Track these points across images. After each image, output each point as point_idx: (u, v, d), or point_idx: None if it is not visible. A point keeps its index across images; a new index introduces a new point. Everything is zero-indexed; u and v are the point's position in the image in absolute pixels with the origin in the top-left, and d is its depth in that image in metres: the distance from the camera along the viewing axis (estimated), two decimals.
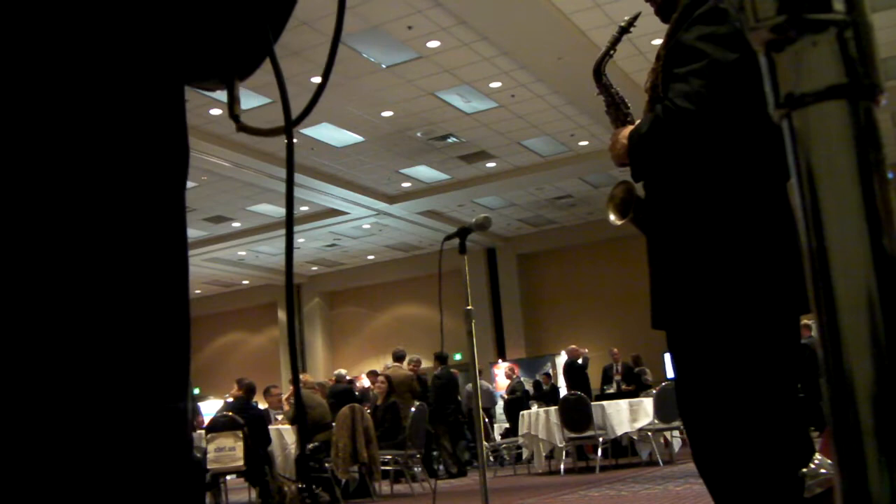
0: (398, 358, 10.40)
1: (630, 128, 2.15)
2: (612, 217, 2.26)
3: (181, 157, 0.79)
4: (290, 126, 0.88)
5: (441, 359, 10.95)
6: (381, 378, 9.55)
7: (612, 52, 2.27)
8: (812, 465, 1.78)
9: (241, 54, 0.89)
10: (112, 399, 0.69)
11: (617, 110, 2.26)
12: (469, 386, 12.15)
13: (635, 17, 2.23)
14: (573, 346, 13.20)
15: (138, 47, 0.75)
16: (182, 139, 0.80)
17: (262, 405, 10.46)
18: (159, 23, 0.77)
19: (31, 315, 0.66)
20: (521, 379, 14.32)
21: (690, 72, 1.92)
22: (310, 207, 14.76)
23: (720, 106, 1.90)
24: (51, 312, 0.67)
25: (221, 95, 0.94)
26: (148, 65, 0.76)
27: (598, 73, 2.28)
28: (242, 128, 0.93)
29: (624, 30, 2.24)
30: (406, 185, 14.40)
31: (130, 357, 0.71)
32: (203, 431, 7.80)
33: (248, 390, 8.11)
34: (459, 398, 10.83)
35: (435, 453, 10.75)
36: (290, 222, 0.85)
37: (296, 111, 0.89)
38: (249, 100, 9.13)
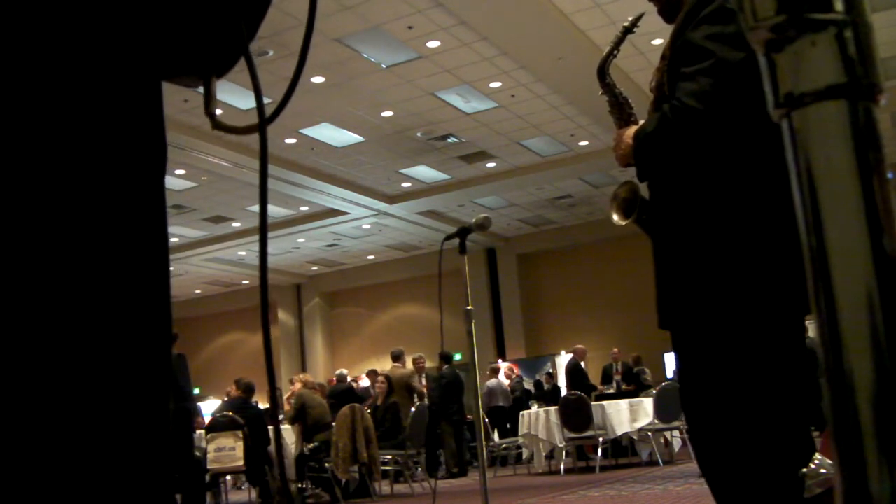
0: (395, 357, 10.44)
1: (634, 127, 2.15)
2: (615, 217, 2.26)
3: (159, 152, 0.79)
4: (263, 124, 0.87)
5: (445, 358, 10.94)
6: (380, 378, 9.56)
7: (615, 52, 2.27)
8: (812, 465, 1.78)
9: (217, 51, 0.89)
10: (89, 400, 0.68)
11: (620, 110, 2.26)
12: (490, 382, 12.17)
13: (639, 18, 2.23)
14: (580, 346, 13.17)
15: (114, 42, 0.75)
16: (159, 134, 0.80)
17: (264, 405, 10.46)
18: (136, 17, 0.77)
19: (6, 318, 0.66)
20: (522, 379, 14.32)
21: (698, 71, 1.92)
22: (310, 207, 14.76)
23: (728, 105, 1.90)
24: (26, 310, 0.66)
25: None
26: (124, 59, 0.76)
27: (602, 73, 2.28)
28: (217, 125, 0.93)
29: (628, 30, 2.24)
30: (406, 185, 14.40)
31: (107, 356, 0.70)
32: (203, 431, 7.80)
33: (247, 390, 8.11)
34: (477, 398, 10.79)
35: (438, 452, 10.74)
36: (263, 220, 0.84)
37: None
38: (248, 100, 9.12)
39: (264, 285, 0.84)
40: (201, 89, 0.94)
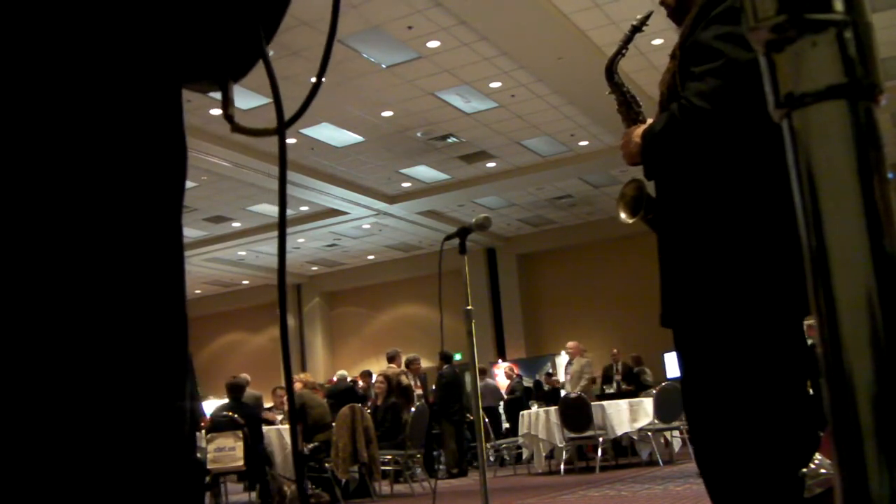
0: (390, 358, 10.48)
1: (643, 126, 2.15)
2: (623, 216, 2.27)
3: (179, 160, 0.80)
4: (282, 126, 0.88)
5: (445, 358, 10.95)
6: (379, 378, 9.56)
7: (624, 51, 2.28)
8: (812, 465, 1.78)
9: (234, 55, 0.89)
10: (109, 398, 0.69)
11: (628, 109, 2.26)
12: (481, 383, 12.17)
13: (647, 17, 2.24)
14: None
15: (137, 49, 0.75)
16: (180, 142, 0.80)
17: (268, 404, 10.45)
18: (156, 24, 0.77)
19: (30, 316, 0.66)
20: (522, 378, 14.32)
21: (707, 71, 1.92)
22: (310, 207, 14.76)
23: (736, 105, 1.90)
24: (49, 314, 0.67)
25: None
26: (146, 66, 0.76)
27: (610, 71, 2.29)
28: (236, 128, 0.93)
29: (636, 29, 2.25)
30: (406, 185, 14.40)
31: (127, 357, 0.71)
32: (203, 431, 7.80)
33: (236, 388, 8.06)
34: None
35: (436, 453, 10.75)
36: (282, 222, 0.85)
37: (293, 110, 0.89)
38: (250, 100, 9.12)
39: (282, 288, 0.85)
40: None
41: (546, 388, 13.79)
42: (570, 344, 11.85)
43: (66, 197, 0.69)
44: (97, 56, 0.72)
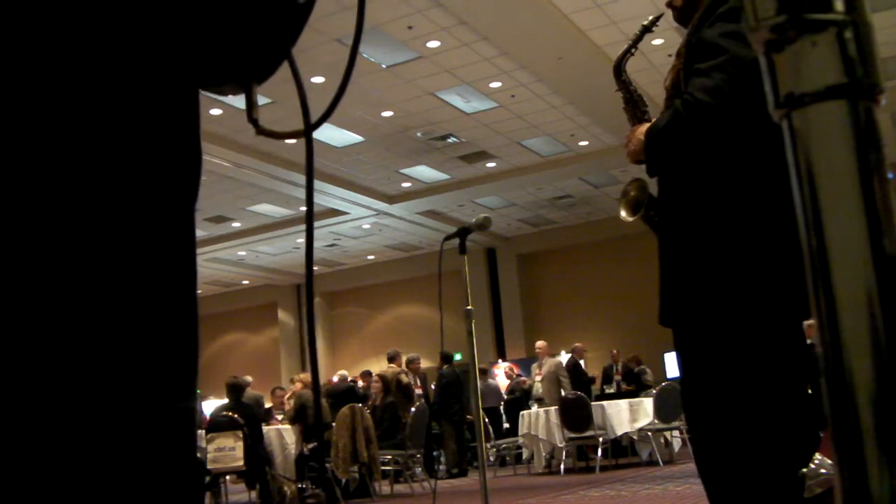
0: (391, 359, 10.49)
1: (647, 125, 2.16)
2: (623, 213, 2.27)
3: (194, 163, 0.80)
4: (309, 129, 0.88)
5: (446, 358, 10.95)
6: (375, 377, 9.58)
7: (633, 49, 2.29)
8: (812, 465, 1.78)
9: (258, 58, 0.90)
10: (121, 398, 0.70)
11: (634, 107, 2.27)
12: (483, 384, 12.15)
13: (658, 18, 2.25)
14: (578, 345, 13.17)
15: (153, 53, 0.75)
16: (195, 145, 0.81)
17: (268, 404, 10.45)
18: (174, 28, 0.77)
19: (42, 317, 0.67)
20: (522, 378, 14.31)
21: (712, 67, 1.93)
22: None
23: (740, 101, 1.90)
24: (61, 314, 0.67)
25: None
26: (163, 70, 0.76)
27: (619, 69, 2.30)
28: (262, 131, 0.94)
29: (647, 28, 2.26)
30: (406, 185, 14.40)
31: (140, 357, 0.71)
32: (203, 431, 7.80)
33: (236, 389, 8.06)
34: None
35: (436, 453, 10.74)
36: (310, 224, 0.85)
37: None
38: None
39: (310, 290, 0.85)
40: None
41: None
42: (539, 344, 11.83)
43: (80, 196, 0.69)
44: (113, 59, 0.72)
